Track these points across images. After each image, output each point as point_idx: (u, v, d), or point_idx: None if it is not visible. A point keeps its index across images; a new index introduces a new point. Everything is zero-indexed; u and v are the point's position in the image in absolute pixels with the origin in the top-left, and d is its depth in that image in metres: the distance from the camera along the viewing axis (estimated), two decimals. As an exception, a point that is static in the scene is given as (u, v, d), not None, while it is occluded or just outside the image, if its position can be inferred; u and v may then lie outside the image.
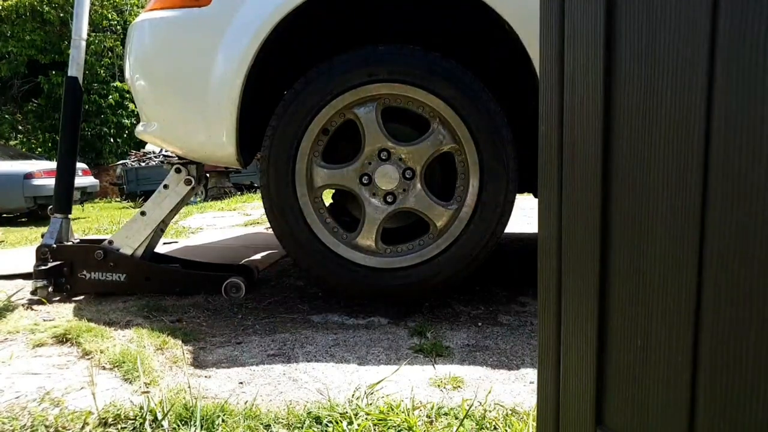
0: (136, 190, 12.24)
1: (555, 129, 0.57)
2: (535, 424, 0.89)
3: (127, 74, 1.89)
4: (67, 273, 1.92)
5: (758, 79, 0.39)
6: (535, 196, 1.70)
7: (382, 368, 1.29)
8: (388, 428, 0.97)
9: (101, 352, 1.34)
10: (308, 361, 1.33)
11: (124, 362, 1.26)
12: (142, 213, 1.98)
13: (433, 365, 1.31)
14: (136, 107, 1.96)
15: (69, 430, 0.98)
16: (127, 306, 1.79)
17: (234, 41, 1.65)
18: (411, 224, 2.03)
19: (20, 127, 17.10)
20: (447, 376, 1.23)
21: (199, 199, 9.21)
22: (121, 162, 13.95)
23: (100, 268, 1.93)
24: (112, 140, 16.95)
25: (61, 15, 15.24)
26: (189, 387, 1.14)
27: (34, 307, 1.80)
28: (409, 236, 1.78)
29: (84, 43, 2.01)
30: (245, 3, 1.65)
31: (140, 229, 1.97)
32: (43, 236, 1.98)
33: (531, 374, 1.26)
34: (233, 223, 4.48)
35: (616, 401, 0.53)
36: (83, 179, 8.30)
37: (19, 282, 2.16)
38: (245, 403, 1.09)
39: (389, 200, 1.71)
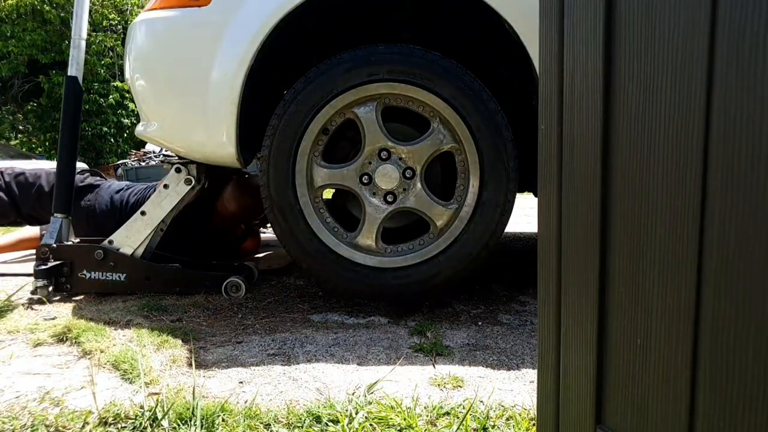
0: (137, 189, 12.23)
1: (555, 128, 0.57)
2: (535, 423, 0.89)
3: (127, 74, 1.89)
4: (67, 272, 1.92)
5: (758, 76, 0.39)
6: (535, 196, 1.70)
7: (382, 368, 1.29)
8: (389, 427, 0.97)
9: (101, 351, 1.34)
10: (308, 361, 1.33)
11: (124, 362, 1.26)
12: (143, 213, 1.98)
13: (433, 365, 1.31)
14: (136, 107, 1.96)
15: (69, 429, 0.98)
16: (127, 305, 1.79)
17: (234, 41, 1.65)
18: (411, 224, 2.03)
19: (20, 127, 17.10)
20: (447, 376, 1.23)
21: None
22: (121, 162, 13.94)
23: (100, 268, 1.94)
24: (112, 140, 16.95)
25: (62, 14, 15.23)
26: (190, 386, 1.14)
27: (34, 306, 1.80)
28: (410, 236, 1.78)
29: (84, 43, 2.01)
30: (245, 3, 1.65)
31: (140, 229, 1.97)
32: (43, 236, 1.98)
33: (531, 374, 1.26)
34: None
35: (616, 401, 0.53)
36: (83, 179, 8.31)
37: (19, 281, 2.16)
38: (245, 402, 1.09)
39: (389, 200, 1.71)
